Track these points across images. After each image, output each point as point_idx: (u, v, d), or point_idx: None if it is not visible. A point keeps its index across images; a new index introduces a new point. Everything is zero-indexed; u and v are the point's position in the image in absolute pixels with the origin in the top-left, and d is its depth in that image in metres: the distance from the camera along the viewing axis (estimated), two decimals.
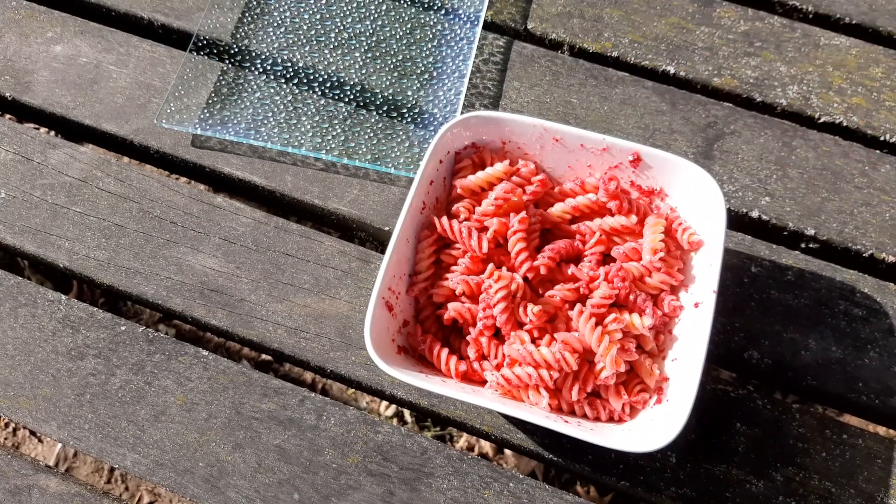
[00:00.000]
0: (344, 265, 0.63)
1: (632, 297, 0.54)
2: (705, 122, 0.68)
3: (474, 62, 0.72)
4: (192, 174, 0.70)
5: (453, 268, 0.57)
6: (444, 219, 0.57)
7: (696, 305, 0.53)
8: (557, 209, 0.59)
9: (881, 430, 0.84)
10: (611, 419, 0.53)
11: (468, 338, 0.55)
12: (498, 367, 0.54)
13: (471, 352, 0.55)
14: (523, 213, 0.56)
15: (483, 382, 0.54)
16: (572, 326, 0.54)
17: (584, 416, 0.53)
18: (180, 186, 0.67)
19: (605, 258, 0.58)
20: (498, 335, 0.56)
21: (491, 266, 0.55)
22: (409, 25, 0.74)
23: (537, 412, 0.51)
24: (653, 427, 0.49)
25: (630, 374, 0.53)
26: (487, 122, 0.58)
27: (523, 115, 0.58)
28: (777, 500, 0.54)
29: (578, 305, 0.54)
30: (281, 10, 0.75)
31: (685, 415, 0.47)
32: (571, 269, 0.56)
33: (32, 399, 0.59)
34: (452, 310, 0.55)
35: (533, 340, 0.54)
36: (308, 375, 1.04)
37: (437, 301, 0.57)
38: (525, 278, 0.56)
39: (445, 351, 0.55)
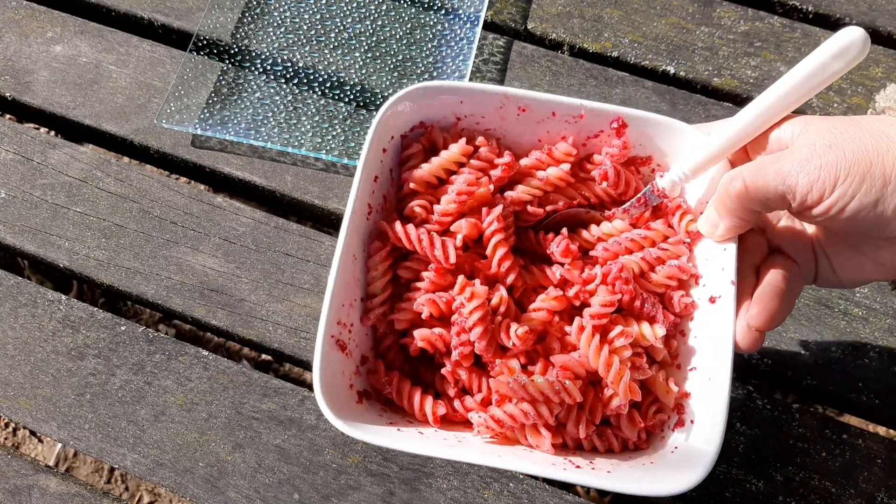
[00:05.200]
0: None
1: (637, 303, 0.46)
2: (705, 122, 0.68)
3: (474, 62, 0.72)
4: (192, 174, 0.70)
5: (416, 284, 0.47)
6: (398, 224, 0.46)
7: (713, 300, 0.44)
8: (524, 189, 0.48)
9: (881, 430, 0.84)
10: (624, 447, 0.45)
11: (443, 371, 0.46)
12: (484, 403, 0.45)
13: (448, 387, 0.46)
14: (500, 208, 0.46)
15: (467, 423, 0.45)
16: (569, 342, 0.45)
17: (593, 448, 0.45)
18: (180, 186, 0.67)
19: (585, 256, 0.50)
20: (479, 362, 0.46)
21: (461, 279, 0.45)
22: (409, 25, 0.74)
23: (541, 460, 0.42)
24: (679, 457, 0.42)
25: (641, 389, 0.45)
26: (437, 94, 0.47)
27: (479, 83, 0.50)
28: (777, 500, 0.54)
29: (578, 320, 0.45)
30: (281, 10, 0.75)
31: (717, 441, 0.40)
32: (560, 272, 0.47)
33: (32, 399, 0.59)
34: (420, 338, 0.45)
35: (524, 367, 0.45)
36: (308, 375, 1.04)
37: (399, 328, 0.47)
38: (509, 289, 0.46)
39: (418, 393, 0.45)
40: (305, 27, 0.74)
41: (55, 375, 0.59)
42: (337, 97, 0.70)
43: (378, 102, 0.70)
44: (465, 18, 0.74)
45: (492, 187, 0.48)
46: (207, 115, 0.69)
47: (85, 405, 0.58)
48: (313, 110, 0.69)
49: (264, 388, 0.58)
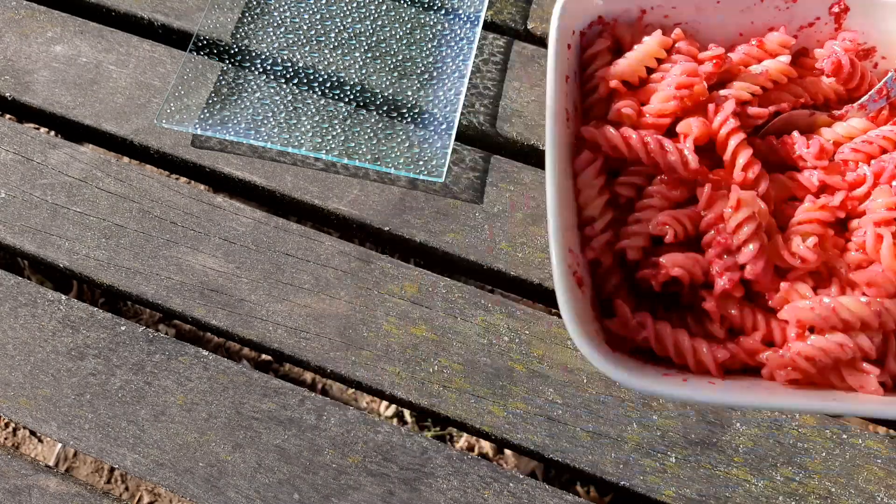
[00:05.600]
0: (344, 265, 0.63)
1: None
2: None
3: (474, 62, 0.72)
4: (192, 174, 0.70)
5: (642, 202, 0.39)
6: (609, 129, 0.39)
7: None
8: (743, 86, 0.40)
9: (881, 430, 0.84)
10: None
11: (706, 305, 0.38)
12: (762, 342, 0.38)
13: (713, 327, 0.38)
14: (731, 103, 0.39)
15: (744, 370, 0.38)
16: (853, 259, 0.37)
17: None
18: (180, 186, 0.67)
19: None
20: (747, 296, 0.38)
21: (708, 188, 0.37)
22: (409, 25, 0.74)
23: (884, 403, 0.35)
24: None
25: None
26: None
27: None
28: (777, 500, 0.54)
29: (870, 229, 0.37)
30: (281, 10, 0.75)
31: None
32: (817, 176, 0.39)
33: (32, 399, 0.59)
34: (674, 265, 0.37)
35: (814, 290, 0.37)
36: (308, 375, 1.04)
37: (631, 258, 0.39)
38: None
39: (686, 337, 0.37)
40: (305, 27, 0.74)
41: (55, 375, 0.59)
42: (337, 97, 0.70)
43: (378, 102, 0.70)
44: (465, 18, 0.74)
45: (705, 84, 0.40)
46: (207, 115, 0.69)
47: (85, 405, 0.58)
48: (313, 110, 0.69)
49: (264, 388, 0.58)
